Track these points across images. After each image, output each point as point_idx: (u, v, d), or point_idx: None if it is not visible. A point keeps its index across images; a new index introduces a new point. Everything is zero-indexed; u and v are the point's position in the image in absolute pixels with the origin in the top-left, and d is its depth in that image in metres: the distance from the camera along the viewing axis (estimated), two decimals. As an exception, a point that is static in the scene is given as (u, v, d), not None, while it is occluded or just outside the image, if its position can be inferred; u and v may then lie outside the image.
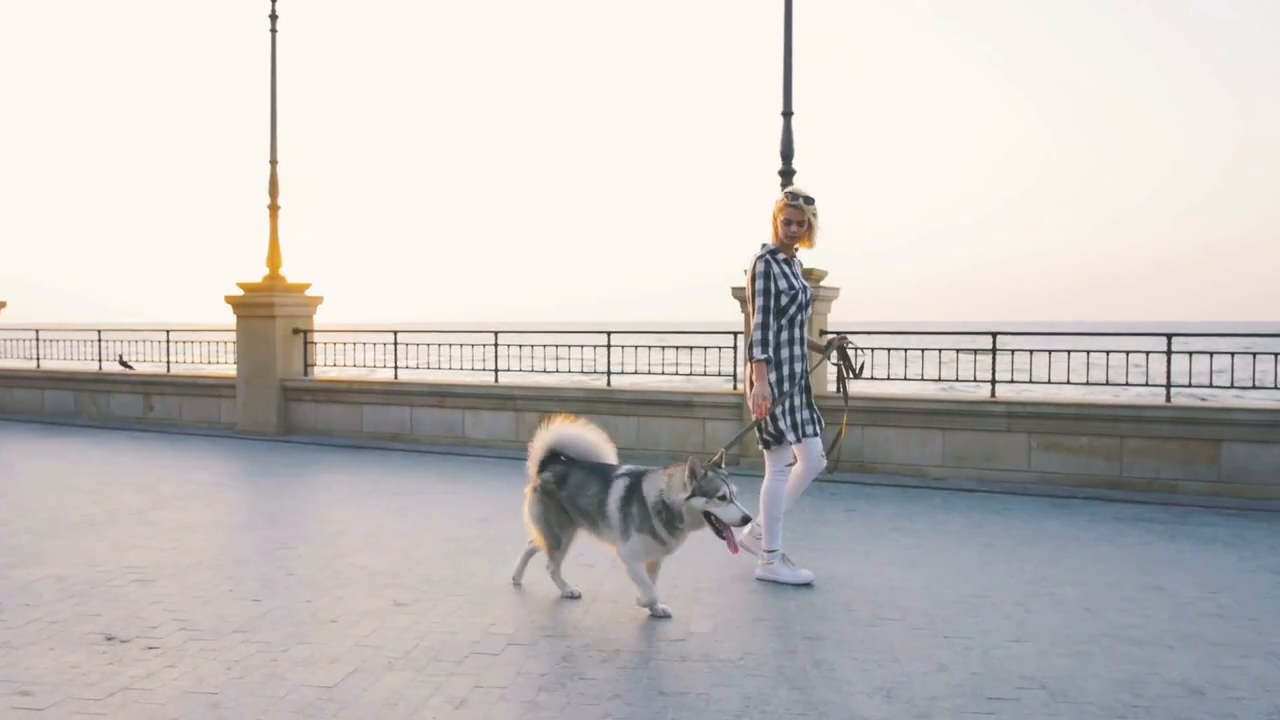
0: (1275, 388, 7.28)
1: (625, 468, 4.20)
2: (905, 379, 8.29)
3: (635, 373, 9.35)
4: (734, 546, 3.86)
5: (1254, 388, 7.38)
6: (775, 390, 4.57)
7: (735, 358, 8.73)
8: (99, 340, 12.31)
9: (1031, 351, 8.06)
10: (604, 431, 4.48)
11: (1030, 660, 3.58)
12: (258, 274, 10.86)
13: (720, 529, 3.82)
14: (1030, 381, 8.08)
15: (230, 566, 4.95)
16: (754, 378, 4.57)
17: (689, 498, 3.80)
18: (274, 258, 10.79)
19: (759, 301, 4.54)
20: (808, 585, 4.56)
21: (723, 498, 3.77)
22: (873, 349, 8.26)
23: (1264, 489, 6.98)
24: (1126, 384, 7.71)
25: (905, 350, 8.25)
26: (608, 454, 4.38)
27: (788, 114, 8.49)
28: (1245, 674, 3.45)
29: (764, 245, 4.67)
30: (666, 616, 4.04)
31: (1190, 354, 7.41)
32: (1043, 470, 7.60)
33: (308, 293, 10.96)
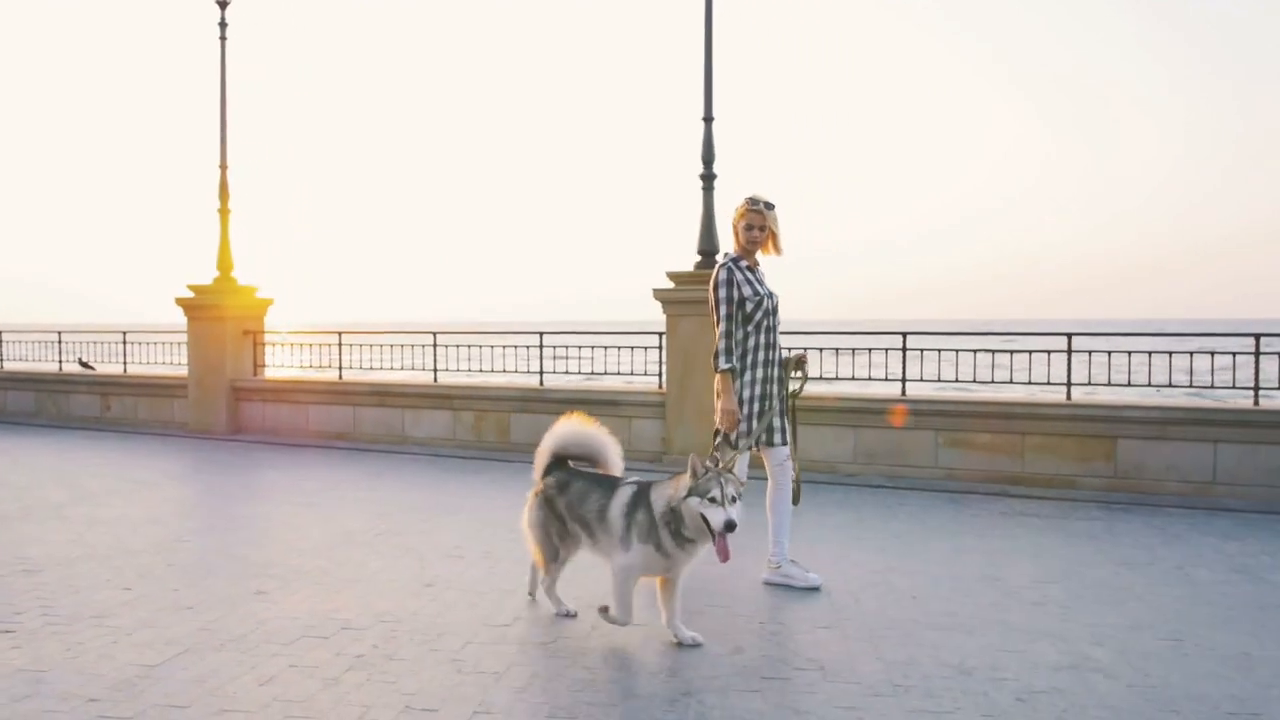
0: (1171, 385, 7.46)
1: (633, 477, 3.98)
2: (820, 378, 8.47)
3: (567, 373, 9.57)
4: (722, 553, 3.51)
5: (1148, 385, 7.56)
6: (753, 399, 4.52)
7: (661, 358, 8.93)
8: (59, 341, 12.58)
9: (940, 350, 8.24)
10: (608, 433, 4.22)
11: (825, 644, 3.78)
12: (210, 276, 11.11)
13: (713, 533, 3.51)
14: (939, 380, 8.25)
15: (119, 558, 5.17)
16: (719, 389, 4.51)
17: (685, 497, 3.55)
18: (224, 260, 11.03)
19: (721, 311, 4.48)
20: (815, 589, 4.52)
21: (713, 499, 3.46)
22: (803, 349, 8.47)
23: (1157, 484, 7.16)
24: (1029, 382, 7.88)
25: (820, 349, 8.44)
26: (615, 456, 4.13)
27: (708, 119, 8.69)
28: (1022, 657, 3.64)
29: (726, 254, 4.62)
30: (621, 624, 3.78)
31: (1089, 353, 7.60)
32: (949, 467, 7.79)
33: (258, 295, 11.21)
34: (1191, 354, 7.36)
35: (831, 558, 5.26)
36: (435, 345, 10.03)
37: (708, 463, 3.63)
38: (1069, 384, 7.64)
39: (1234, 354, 7.25)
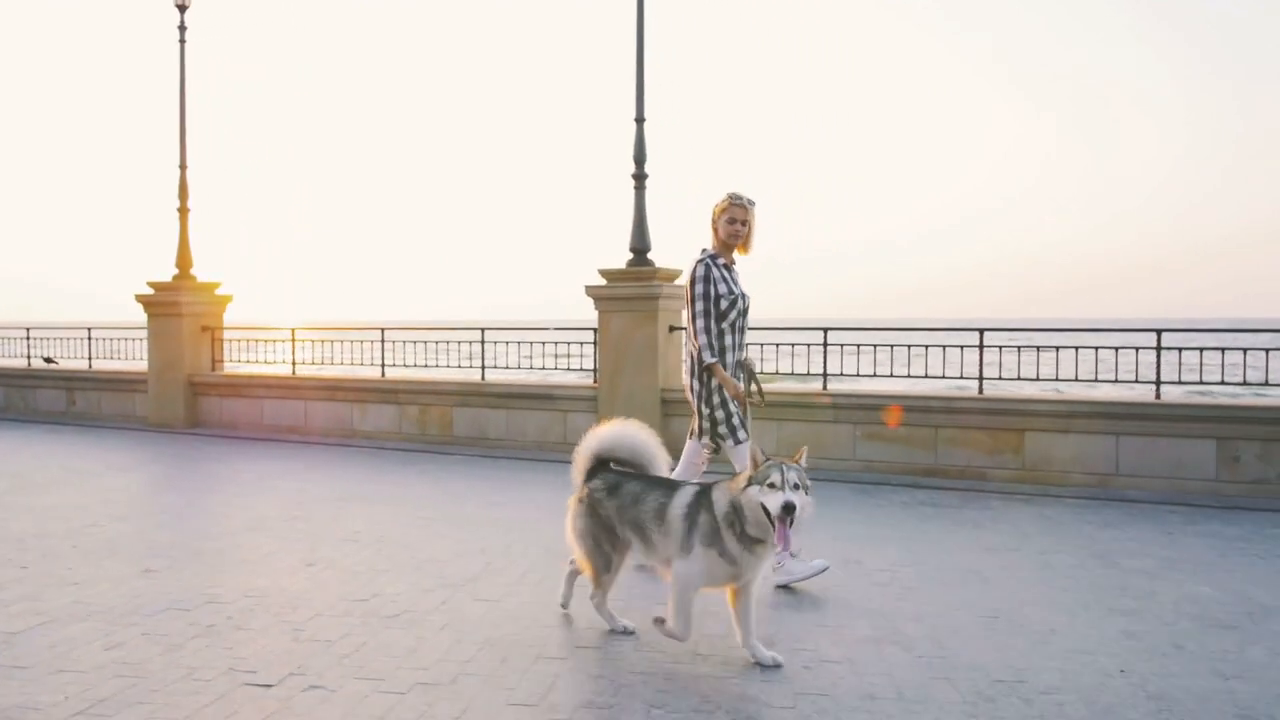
0: (1077, 380, 7.65)
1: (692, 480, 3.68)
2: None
3: (507, 368, 9.80)
4: (781, 539, 3.29)
5: (1056, 380, 7.75)
6: (729, 399, 4.54)
7: (595, 353, 9.15)
8: (27, 338, 12.88)
9: (859, 346, 8.44)
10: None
11: (626, 616, 3.95)
12: (171, 274, 11.37)
13: (772, 521, 3.30)
14: (857, 375, 8.44)
15: (31, 541, 5.41)
16: (699, 380, 4.55)
17: (744, 488, 3.33)
18: (184, 258, 11.30)
19: (699, 306, 4.49)
20: (824, 571, 4.50)
21: (772, 485, 3.25)
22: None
23: (1063, 475, 7.35)
24: (944, 376, 8.08)
25: (761, 345, 8.64)
26: (661, 461, 3.89)
27: (640, 120, 8.91)
28: (834, 631, 3.86)
29: (704, 250, 4.63)
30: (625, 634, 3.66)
31: (1000, 348, 7.79)
32: (866, 459, 7.99)
33: (218, 292, 11.47)
34: (1096, 349, 7.55)
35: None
36: (383, 341, 10.27)
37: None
38: (980, 378, 7.84)
39: (1136, 349, 7.42)
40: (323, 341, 10.84)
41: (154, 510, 6.47)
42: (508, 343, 9.75)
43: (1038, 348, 7.77)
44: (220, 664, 3.42)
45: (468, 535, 5.55)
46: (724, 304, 4.51)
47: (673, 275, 8.89)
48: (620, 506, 3.69)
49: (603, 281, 8.86)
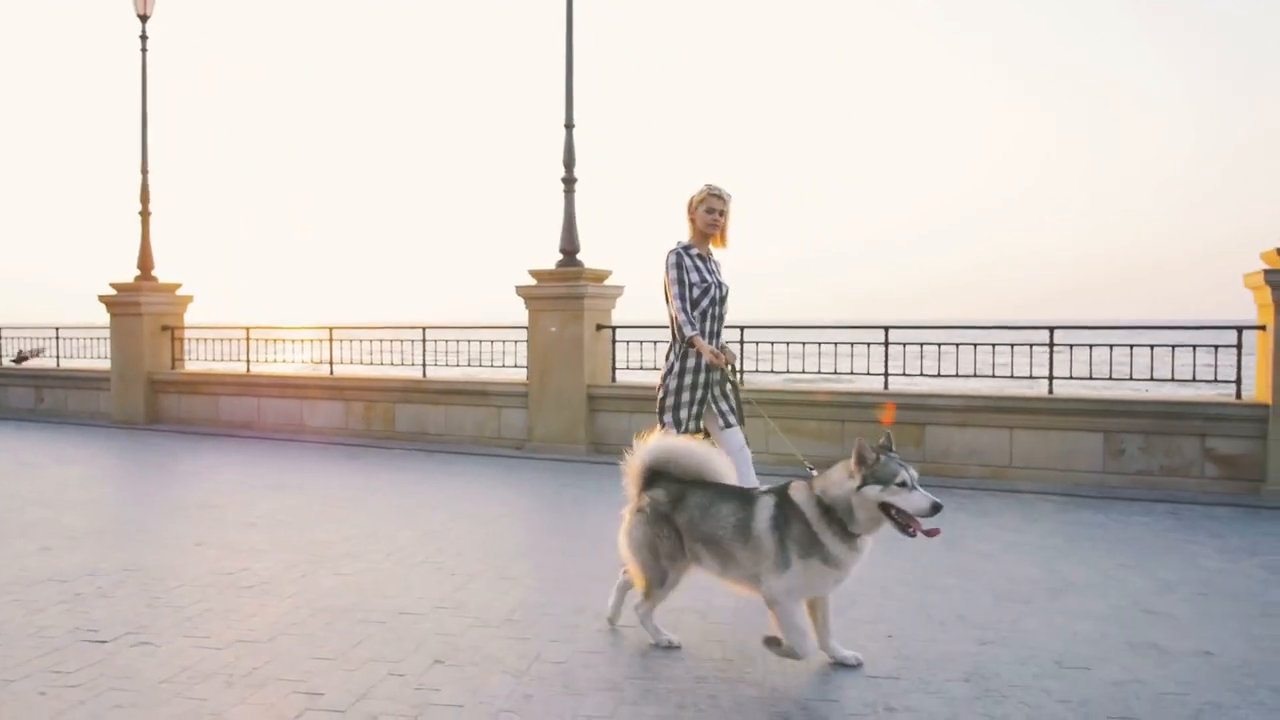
0: (975, 375, 7.94)
1: (763, 486, 3.56)
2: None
3: (447, 365, 10.14)
4: (920, 532, 3.17)
5: (955, 375, 8.05)
6: (694, 386, 4.55)
7: (528, 351, 9.47)
8: (0, 337, 13.29)
9: (773, 343, 8.74)
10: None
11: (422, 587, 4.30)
12: (133, 275, 11.76)
13: (905, 523, 3.15)
14: (771, 371, 8.74)
15: (-51, 523, 5.77)
16: (698, 352, 4.55)
17: (860, 486, 3.15)
18: (145, 260, 11.69)
19: (674, 290, 4.56)
20: None
21: (902, 484, 3.12)
22: (654, 342, 9.04)
23: (961, 468, 7.64)
24: (851, 373, 8.37)
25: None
26: (726, 473, 3.65)
27: (569, 126, 9.24)
28: (571, 597, 4.17)
29: (678, 241, 4.71)
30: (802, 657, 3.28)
31: (904, 345, 8.09)
32: (780, 452, 8.27)
33: (178, 292, 11.85)
34: (994, 346, 7.83)
35: (566, 524, 5.78)
36: (331, 341, 10.63)
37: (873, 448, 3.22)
38: (886, 374, 8.13)
39: (1031, 345, 7.70)
40: (278, 341, 11.19)
41: (80, 498, 6.81)
42: (447, 341, 10.09)
43: (939, 344, 8.05)
44: (70, 624, 3.75)
45: (363, 521, 5.88)
46: (696, 292, 4.57)
47: (600, 276, 9.21)
48: (690, 521, 3.46)
49: (533, 282, 9.19)
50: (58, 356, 12.92)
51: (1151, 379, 7.54)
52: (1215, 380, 7.38)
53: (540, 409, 9.10)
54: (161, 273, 11.85)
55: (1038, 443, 7.46)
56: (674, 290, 4.58)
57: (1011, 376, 7.93)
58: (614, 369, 9.26)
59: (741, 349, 8.60)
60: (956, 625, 3.88)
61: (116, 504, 6.61)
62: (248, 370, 11.24)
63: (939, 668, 3.39)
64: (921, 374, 8.09)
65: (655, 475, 3.64)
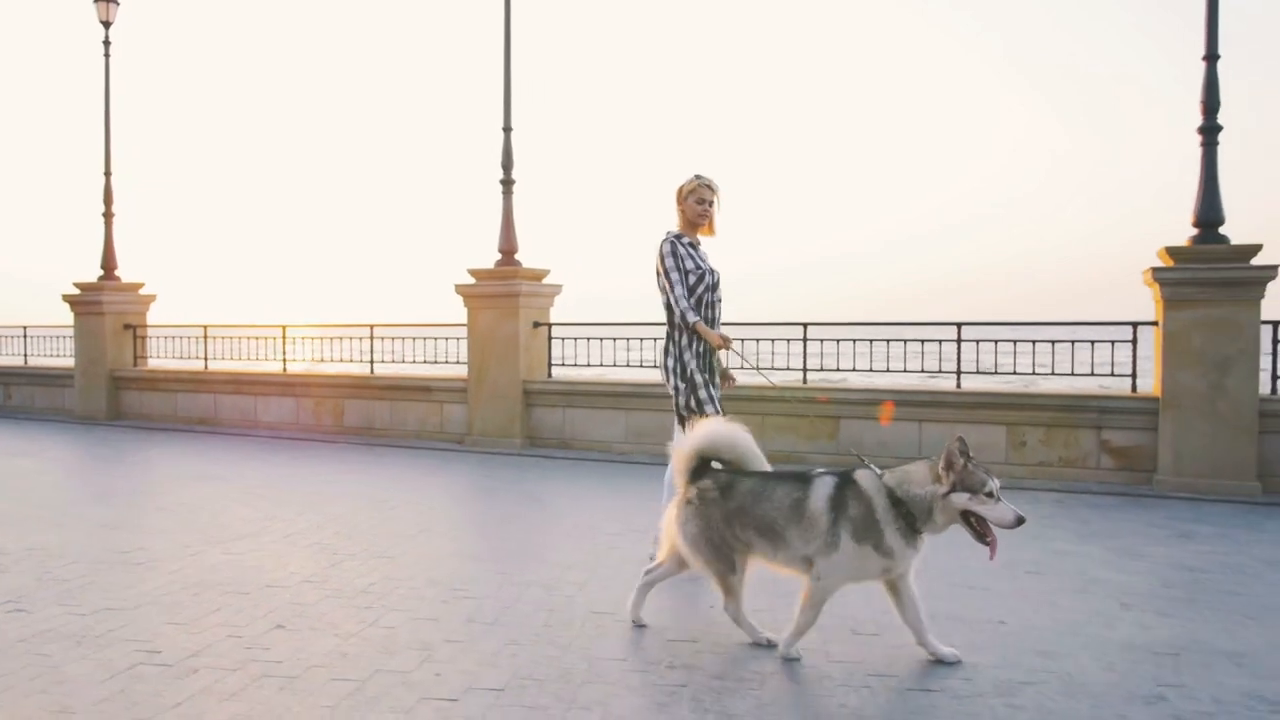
0: (889, 370, 8.22)
1: (820, 469, 3.56)
2: (603, 364, 9.30)
3: (395, 362, 10.44)
4: (994, 551, 3.20)
5: (870, 371, 8.33)
6: (700, 370, 4.61)
7: (468, 348, 9.75)
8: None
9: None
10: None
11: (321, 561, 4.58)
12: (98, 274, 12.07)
13: (983, 533, 3.17)
14: (775, 368, 8.99)
15: (-117, 509, 6.07)
16: (669, 355, 4.68)
17: (948, 492, 3.15)
18: (109, 260, 12.00)
19: (673, 277, 4.62)
20: None
21: (989, 494, 3.13)
22: (587, 339, 9.33)
23: (873, 460, 7.87)
24: (773, 368, 8.63)
25: (614, 339, 9.23)
26: (763, 463, 3.71)
27: (507, 129, 9.54)
28: (433, 573, 4.45)
29: (668, 231, 4.77)
30: (795, 659, 3.37)
31: (821, 341, 8.36)
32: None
33: (141, 291, 12.16)
34: (905, 341, 8.10)
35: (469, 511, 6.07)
36: (284, 339, 10.93)
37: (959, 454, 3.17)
38: (804, 369, 8.40)
39: (940, 341, 7.95)
40: (236, 339, 11.49)
41: (19, 487, 7.09)
42: (395, 339, 10.38)
43: (854, 340, 8.32)
44: (-43, 595, 4.04)
45: (272, 507, 6.15)
46: (691, 279, 4.63)
47: (538, 275, 9.50)
48: (741, 506, 3.45)
49: (472, 281, 9.48)
50: (25, 354, 13.24)
51: (1052, 373, 7.79)
52: (1114, 374, 7.64)
53: (478, 404, 9.39)
54: (126, 272, 12.18)
55: (946, 435, 7.67)
56: (673, 278, 4.62)
57: (922, 371, 8.20)
58: (550, 365, 9.54)
59: (653, 344, 8.86)
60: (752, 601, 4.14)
61: (46, 490, 6.89)
62: (205, 368, 11.54)
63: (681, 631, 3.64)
64: (838, 369, 8.37)
65: (702, 465, 3.63)
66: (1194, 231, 7.06)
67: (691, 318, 4.58)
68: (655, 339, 9.06)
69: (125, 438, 10.30)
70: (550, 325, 9.57)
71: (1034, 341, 7.74)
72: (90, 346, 11.88)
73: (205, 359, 11.56)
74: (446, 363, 10.15)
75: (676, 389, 4.67)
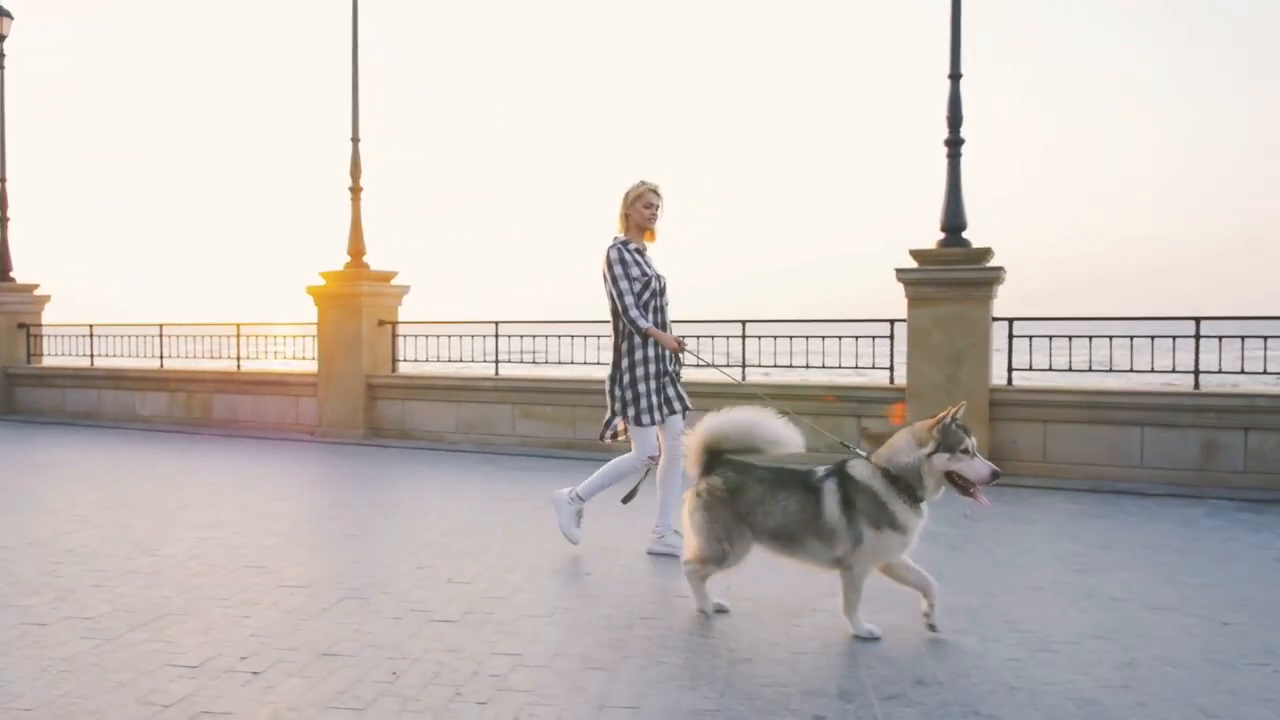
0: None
1: (815, 468, 3.60)
2: (438, 360, 9.99)
3: (264, 358, 11.09)
4: (980, 499, 3.36)
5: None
6: (647, 377, 4.68)
7: (318, 345, 10.37)
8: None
9: (534, 336, 9.72)
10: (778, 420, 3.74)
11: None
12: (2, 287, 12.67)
13: (966, 487, 3.36)
14: (521, 360, 9.71)
15: None
16: (614, 364, 4.74)
17: (931, 454, 3.34)
18: (4, 262, 12.60)
19: (621, 285, 4.65)
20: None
21: (966, 451, 3.32)
22: (438, 336, 9.99)
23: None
24: (595, 362, 9.31)
25: (460, 336, 9.87)
26: (782, 436, 3.70)
27: (355, 140, 10.20)
28: (187, 547, 5.13)
29: (615, 238, 4.81)
30: (874, 638, 3.46)
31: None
32: (523, 435, 9.26)
33: (36, 292, 12.77)
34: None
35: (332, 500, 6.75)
36: (162, 336, 11.59)
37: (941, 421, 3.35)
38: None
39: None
40: (119, 336, 12.11)
41: None
42: (260, 337, 11.04)
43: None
44: None
45: (108, 490, 6.75)
46: (638, 286, 4.67)
47: (385, 276, 10.17)
48: (748, 513, 3.60)
49: (322, 282, 10.14)
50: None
51: (838, 366, 8.42)
52: (875, 366, 8.32)
53: (327, 398, 10.06)
54: (22, 274, 12.78)
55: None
56: (622, 285, 4.65)
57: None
58: (395, 360, 10.21)
59: (496, 342, 9.55)
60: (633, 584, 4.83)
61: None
62: (91, 364, 12.17)
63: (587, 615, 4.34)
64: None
65: (714, 456, 3.71)
66: (941, 235, 7.78)
67: (643, 324, 4.65)
68: (506, 336, 9.76)
69: (8, 431, 10.91)
70: (395, 323, 10.24)
71: (807, 337, 8.45)
72: (-9, 347, 12.49)
73: (91, 356, 12.19)
74: (307, 360, 10.82)
75: (613, 396, 4.72)
